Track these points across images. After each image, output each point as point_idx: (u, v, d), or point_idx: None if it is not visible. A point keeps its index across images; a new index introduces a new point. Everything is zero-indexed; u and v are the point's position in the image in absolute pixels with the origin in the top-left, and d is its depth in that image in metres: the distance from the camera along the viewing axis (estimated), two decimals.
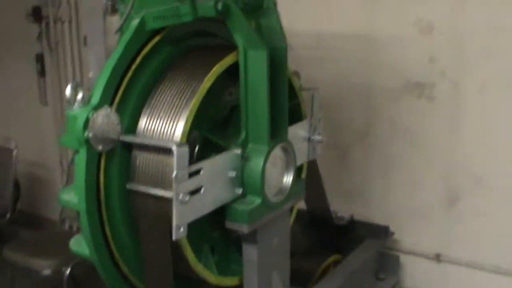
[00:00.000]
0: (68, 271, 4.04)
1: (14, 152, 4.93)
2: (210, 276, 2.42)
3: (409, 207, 3.57)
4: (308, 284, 2.99)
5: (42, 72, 5.31)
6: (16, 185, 5.38)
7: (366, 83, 3.55)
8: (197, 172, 2.13)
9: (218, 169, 2.24)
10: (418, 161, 3.49)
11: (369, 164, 3.66)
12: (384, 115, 3.54)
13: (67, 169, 5.05)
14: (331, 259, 3.23)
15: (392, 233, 3.50)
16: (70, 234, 4.09)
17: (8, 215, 4.94)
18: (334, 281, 3.00)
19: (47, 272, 4.09)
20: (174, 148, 2.02)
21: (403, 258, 3.59)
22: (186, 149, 2.06)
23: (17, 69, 5.61)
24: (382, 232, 3.47)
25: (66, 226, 4.69)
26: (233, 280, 2.55)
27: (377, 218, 3.57)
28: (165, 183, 2.14)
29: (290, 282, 2.75)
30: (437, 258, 3.54)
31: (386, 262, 3.52)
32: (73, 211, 4.13)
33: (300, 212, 3.44)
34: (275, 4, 2.43)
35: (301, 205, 3.29)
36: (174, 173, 2.02)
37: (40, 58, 5.29)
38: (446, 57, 3.30)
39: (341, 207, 3.53)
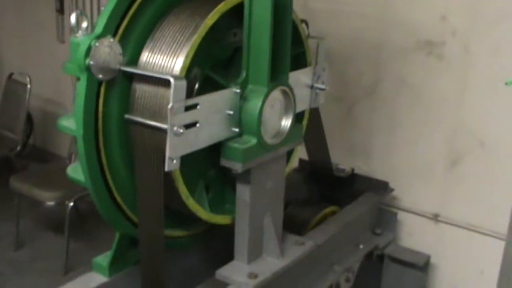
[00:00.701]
0: (71, 204, 4.13)
1: (28, 87, 4.99)
2: (201, 211, 2.47)
3: (410, 166, 3.59)
4: (303, 232, 3.03)
5: (61, 10, 5.36)
6: (30, 120, 5.49)
7: (377, 39, 3.54)
8: (194, 106, 2.16)
9: (215, 106, 2.27)
10: (423, 120, 3.50)
11: (374, 120, 3.67)
12: (393, 72, 3.54)
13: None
14: (328, 210, 3.27)
15: (392, 190, 3.53)
16: None
17: (18, 148, 5.03)
18: (328, 230, 3.04)
19: (50, 203, 4.18)
20: (171, 80, 2.06)
21: (401, 216, 3.62)
22: (183, 82, 2.10)
23: (36, 6, 5.66)
24: (381, 188, 3.51)
25: (73, 160, 4.75)
26: (225, 219, 2.61)
27: (378, 174, 3.60)
28: (161, 115, 2.17)
29: (285, 228, 2.79)
30: (435, 218, 3.57)
31: (384, 218, 3.55)
32: None
33: (301, 162, 3.49)
34: None
35: (304, 155, 3.33)
36: (170, 104, 2.06)
37: None
38: (458, 16, 3.27)
39: (342, 160, 3.57)
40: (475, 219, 3.45)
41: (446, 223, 3.55)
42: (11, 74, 5.29)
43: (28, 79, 4.99)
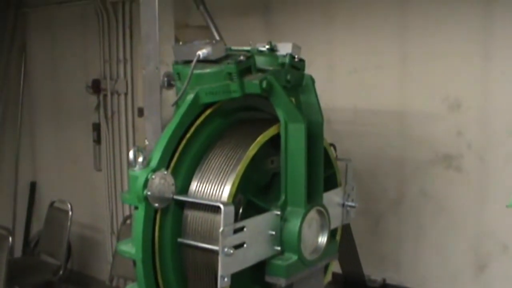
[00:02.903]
0: None
1: (69, 214, 5.23)
2: None
3: (439, 273, 3.74)
4: None
5: (98, 140, 5.69)
6: (68, 245, 5.71)
7: (399, 155, 3.80)
8: (241, 229, 2.38)
9: (259, 227, 2.50)
10: (447, 228, 3.69)
11: (401, 231, 3.86)
12: (415, 185, 3.77)
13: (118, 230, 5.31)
14: None
15: None
16: None
17: (61, 272, 5.22)
18: None
19: None
20: (221, 206, 2.30)
21: None
22: (232, 208, 2.34)
23: (75, 137, 6.01)
24: None
25: (114, 284, 4.92)
26: None
27: (408, 282, 3.75)
28: (212, 238, 2.40)
29: None
30: None
31: None
32: (122, 270, 4.41)
33: (335, 276, 3.65)
34: (313, 82, 2.72)
35: (337, 269, 3.51)
36: (221, 228, 2.29)
37: (97, 127, 5.69)
38: (472, 131, 3.55)
39: (374, 271, 3.74)
40: None
41: None
42: (52, 203, 5.56)
43: (69, 206, 5.24)
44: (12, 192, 6.50)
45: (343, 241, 3.26)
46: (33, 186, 6.61)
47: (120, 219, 5.36)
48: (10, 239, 4.64)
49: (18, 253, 6.50)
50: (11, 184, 6.48)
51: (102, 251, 5.89)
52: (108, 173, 5.63)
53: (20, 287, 5.06)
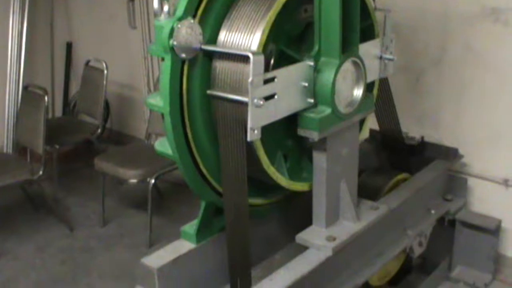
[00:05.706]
0: (152, 181, 4.30)
1: (105, 73, 5.18)
2: (281, 179, 2.62)
3: (479, 132, 3.64)
4: (377, 197, 3.14)
5: None
6: (106, 105, 5.72)
7: (442, 7, 3.59)
8: (271, 79, 2.30)
9: (291, 78, 2.41)
10: (490, 86, 3.54)
11: (441, 88, 3.72)
12: (459, 40, 3.59)
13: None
14: (400, 176, 3.36)
15: (461, 156, 3.59)
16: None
17: (99, 131, 5.25)
18: (400, 195, 3.15)
19: (133, 180, 4.35)
20: (250, 55, 2.20)
21: (472, 182, 3.68)
22: (261, 57, 2.24)
23: None
24: (451, 154, 3.57)
25: (151, 142, 4.93)
26: (303, 186, 2.75)
27: (447, 141, 3.66)
28: (242, 89, 2.33)
29: (359, 195, 2.91)
30: (505, 183, 3.62)
31: (454, 185, 3.62)
32: (158, 128, 4.40)
33: (372, 132, 3.59)
34: None
35: (374, 125, 3.42)
36: (250, 78, 2.20)
37: None
38: None
39: (412, 129, 3.64)
40: None
41: None
42: (88, 62, 5.51)
43: (104, 65, 5.18)
44: (49, 53, 6.44)
45: (381, 97, 3.17)
46: (69, 47, 6.54)
47: (156, 76, 5.30)
48: (46, 98, 4.60)
49: (58, 113, 6.56)
50: (47, 45, 6.41)
51: (139, 109, 5.89)
52: (143, 30, 5.49)
53: (60, 145, 5.10)
